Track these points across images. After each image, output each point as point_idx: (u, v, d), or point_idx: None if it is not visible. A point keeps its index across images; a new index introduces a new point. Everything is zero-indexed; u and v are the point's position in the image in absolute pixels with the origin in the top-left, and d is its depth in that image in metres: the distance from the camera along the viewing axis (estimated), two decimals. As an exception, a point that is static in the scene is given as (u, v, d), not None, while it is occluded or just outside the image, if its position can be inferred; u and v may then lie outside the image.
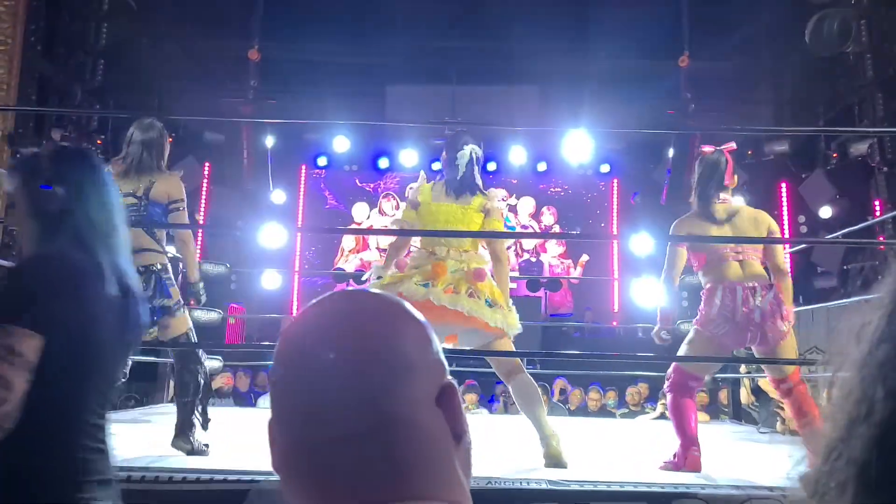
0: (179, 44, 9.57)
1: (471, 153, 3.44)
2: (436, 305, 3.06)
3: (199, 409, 3.21)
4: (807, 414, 3.16)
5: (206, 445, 3.17)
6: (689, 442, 3.15)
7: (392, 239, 3.80)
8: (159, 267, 3.35)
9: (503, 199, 3.83)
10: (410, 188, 3.62)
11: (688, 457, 3.11)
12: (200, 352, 3.36)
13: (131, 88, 9.62)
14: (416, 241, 3.91)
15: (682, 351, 3.34)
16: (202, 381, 3.26)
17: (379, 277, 3.38)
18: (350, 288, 0.72)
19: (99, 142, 9.19)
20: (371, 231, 10.82)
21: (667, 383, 3.36)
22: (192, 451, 3.03)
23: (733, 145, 3.50)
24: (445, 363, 0.68)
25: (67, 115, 8.81)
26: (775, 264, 3.38)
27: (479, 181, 3.47)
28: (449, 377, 0.67)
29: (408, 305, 0.69)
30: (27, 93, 8.22)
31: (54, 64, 8.86)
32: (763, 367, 3.38)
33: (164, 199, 3.38)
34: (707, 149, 3.50)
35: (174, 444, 3.04)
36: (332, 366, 0.63)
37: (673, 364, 3.36)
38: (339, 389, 0.62)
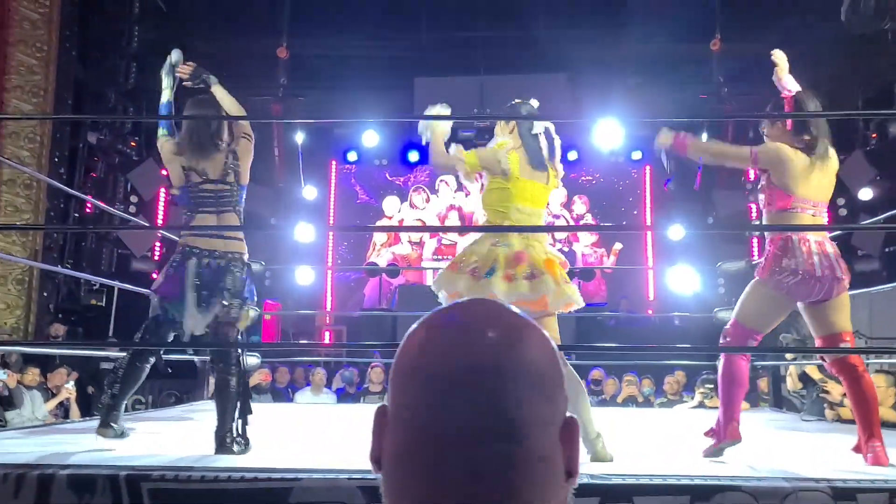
0: (209, 43, 9.66)
1: (546, 128, 3.33)
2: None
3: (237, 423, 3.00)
4: (863, 390, 3.02)
5: (247, 443, 2.99)
6: (730, 413, 2.98)
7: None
8: (246, 258, 3.25)
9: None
10: (495, 143, 3.29)
11: (728, 429, 2.96)
12: (238, 354, 3.16)
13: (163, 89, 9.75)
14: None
15: (740, 305, 3.11)
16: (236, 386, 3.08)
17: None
18: (474, 298, 0.69)
19: (133, 143, 9.35)
20: (403, 228, 10.85)
21: (722, 340, 3.13)
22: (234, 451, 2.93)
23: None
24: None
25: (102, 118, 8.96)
26: None
27: (540, 148, 3.31)
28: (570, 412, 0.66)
29: (546, 332, 0.67)
30: (63, 97, 8.39)
31: (88, 68, 9.03)
32: (815, 326, 3.15)
33: (247, 176, 3.30)
34: (792, 89, 3.31)
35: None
36: (472, 373, 0.60)
37: (732, 319, 3.12)
38: (475, 399, 0.60)
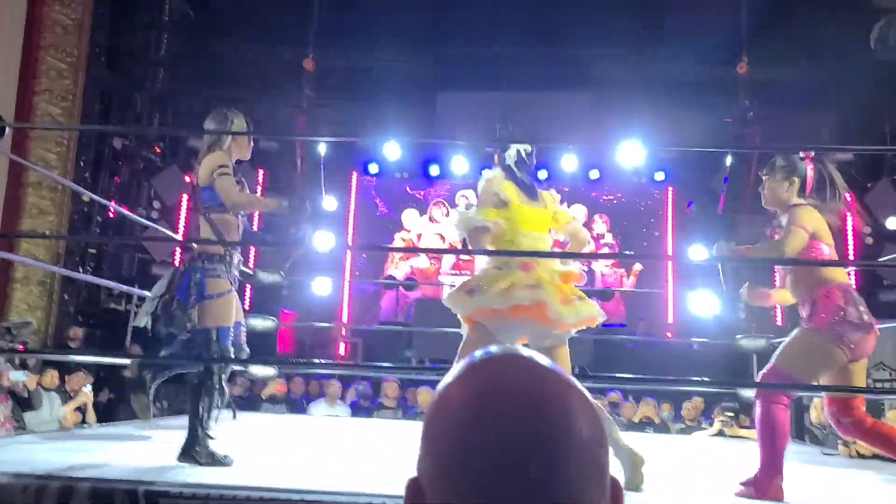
0: (236, 53, 9.77)
1: (517, 151, 3.35)
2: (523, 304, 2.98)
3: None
4: (883, 433, 2.95)
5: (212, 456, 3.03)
6: (774, 467, 2.83)
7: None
8: (205, 258, 3.24)
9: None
10: (485, 180, 3.29)
11: (771, 486, 2.82)
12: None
13: (190, 95, 9.85)
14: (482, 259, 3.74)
15: (784, 352, 2.98)
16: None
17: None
18: (512, 353, 0.64)
19: (158, 150, 9.43)
20: (420, 249, 10.83)
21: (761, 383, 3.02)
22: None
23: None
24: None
25: (129, 123, 9.06)
26: None
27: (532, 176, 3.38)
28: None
29: (579, 385, 0.63)
30: (91, 102, 8.47)
31: (117, 73, 9.13)
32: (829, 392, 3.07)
33: (207, 179, 3.26)
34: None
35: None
36: (525, 459, 0.56)
37: (771, 365, 2.98)
38: (529, 492, 0.56)
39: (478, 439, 0.58)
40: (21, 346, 5.51)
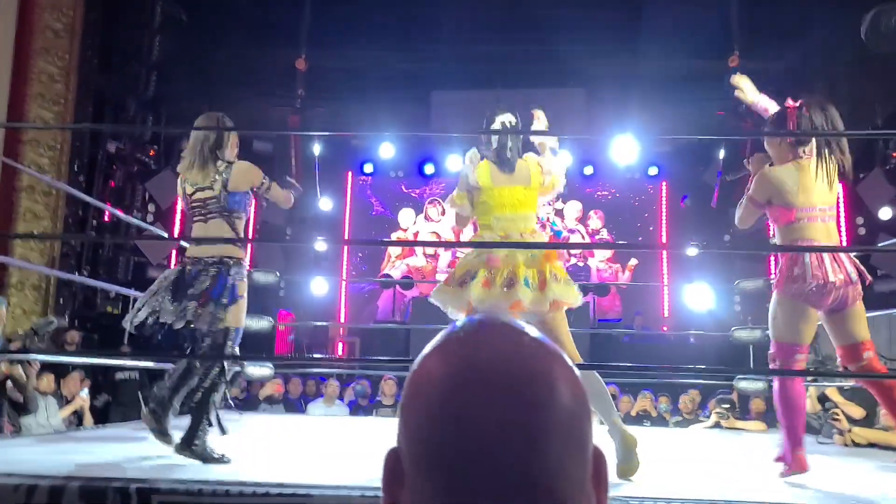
0: (229, 54, 9.75)
1: (502, 123, 3.32)
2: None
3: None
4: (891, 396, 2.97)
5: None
6: (795, 439, 2.93)
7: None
8: (232, 261, 3.31)
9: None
10: (465, 167, 3.34)
11: (795, 457, 2.91)
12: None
13: (183, 98, 9.85)
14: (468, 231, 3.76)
15: (772, 325, 3.10)
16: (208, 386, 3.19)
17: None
18: (503, 322, 0.61)
19: (152, 152, 9.43)
20: (416, 242, 10.84)
21: (771, 364, 3.10)
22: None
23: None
24: None
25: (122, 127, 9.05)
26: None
27: (516, 149, 3.30)
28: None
29: (563, 353, 0.60)
30: (84, 106, 8.47)
31: (109, 77, 9.12)
32: (836, 335, 3.09)
33: (245, 187, 3.38)
34: (792, 103, 3.30)
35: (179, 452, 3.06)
36: (503, 433, 0.54)
37: (772, 342, 3.10)
38: (507, 466, 0.54)
39: (452, 415, 0.56)
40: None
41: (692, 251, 7.57)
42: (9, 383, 5.02)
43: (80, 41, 8.32)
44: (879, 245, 6.47)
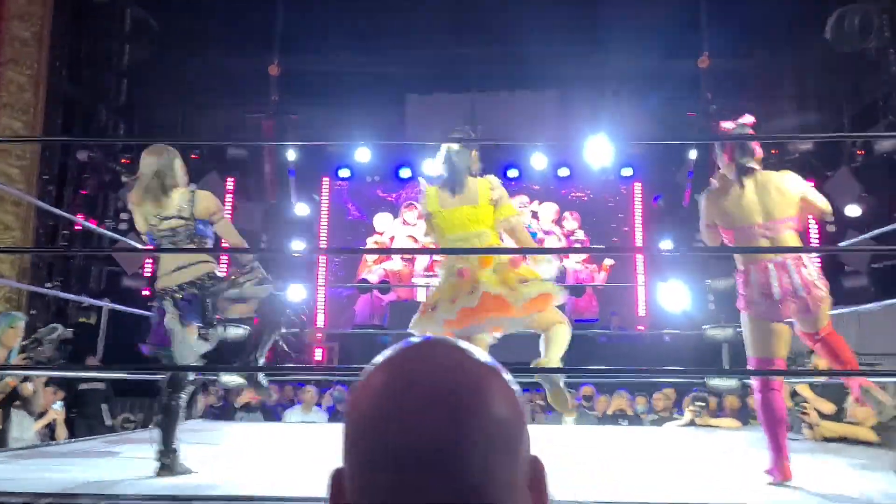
0: (201, 61, 9.71)
1: (446, 151, 3.45)
2: (475, 306, 3.11)
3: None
4: (844, 361, 3.11)
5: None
6: (780, 449, 3.04)
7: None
8: (209, 278, 3.39)
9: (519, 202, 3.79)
10: (419, 200, 3.53)
11: (781, 468, 3.03)
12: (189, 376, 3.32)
13: (155, 106, 9.78)
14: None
15: (745, 342, 3.24)
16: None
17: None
18: (436, 339, 0.65)
19: (124, 161, 9.35)
20: (392, 250, 10.84)
21: (754, 382, 3.23)
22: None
23: (751, 118, 3.37)
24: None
25: (93, 136, 8.95)
26: (819, 212, 3.28)
27: (462, 171, 3.42)
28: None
29: (505, 371, 0.64)
30: (53, 115, 8.38)
31: (80, 85, 9.03)
32: (798, 322, 3.20)
33: (206, 215, 3.44)
34: (727, 125, 3.41)
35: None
36: (428, 439, 0.57)
37: (749, 357, 3.23)
38: (437, 474, 0.57)
39: (384, 429, 0.59)
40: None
41: (666, 246, 7.68)
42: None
43: (49, 50, 8.24)
44: (844, 243, 6.59)
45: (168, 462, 3.05)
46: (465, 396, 0.60)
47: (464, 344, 0.66)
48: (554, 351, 3.28)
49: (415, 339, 0.66)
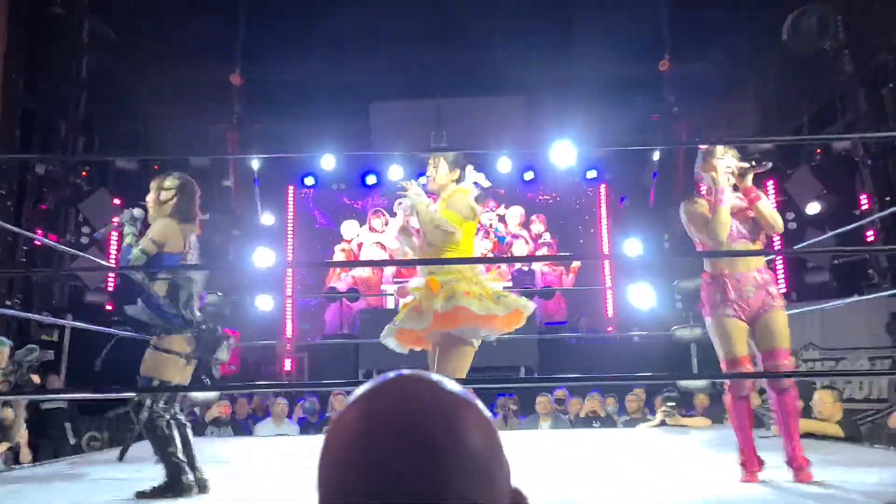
0: (162, 71, 9.56)
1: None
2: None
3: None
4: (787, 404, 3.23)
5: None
6: (749, 451, 3.22)
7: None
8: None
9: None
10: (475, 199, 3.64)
11: (751, 468, 3.21)
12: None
13: (116, 118, 9.60)
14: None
15: (715, 346, 3.37)
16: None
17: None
18: (408, 374, 0.67)
19: (84, 173, 9.17)
20: (360, 263, 10.78)
21: (726, 386, 3.39)
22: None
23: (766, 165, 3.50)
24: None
25: (52, 148, 8.76)
26: (770, 224, 3.38)
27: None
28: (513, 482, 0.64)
29: (478, 401, 0.65)
30: (10, 129, 8.19)
31: (37, 98, 8.83)
32: (756, 343, 3.34)
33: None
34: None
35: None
36: (406, 483, 0.58)
37: (721, 360, 3.36)
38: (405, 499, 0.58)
39: (359, 473, 0.59)
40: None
41: (634, 249, 7.74)
42: None
43: (5, 62, 8.05)
44: (806, 243, 6.71)
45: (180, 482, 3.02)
46: (440, 435, 0.60)
47: (434, 377, 0.67)
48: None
49: (387, 377, 0.67)
